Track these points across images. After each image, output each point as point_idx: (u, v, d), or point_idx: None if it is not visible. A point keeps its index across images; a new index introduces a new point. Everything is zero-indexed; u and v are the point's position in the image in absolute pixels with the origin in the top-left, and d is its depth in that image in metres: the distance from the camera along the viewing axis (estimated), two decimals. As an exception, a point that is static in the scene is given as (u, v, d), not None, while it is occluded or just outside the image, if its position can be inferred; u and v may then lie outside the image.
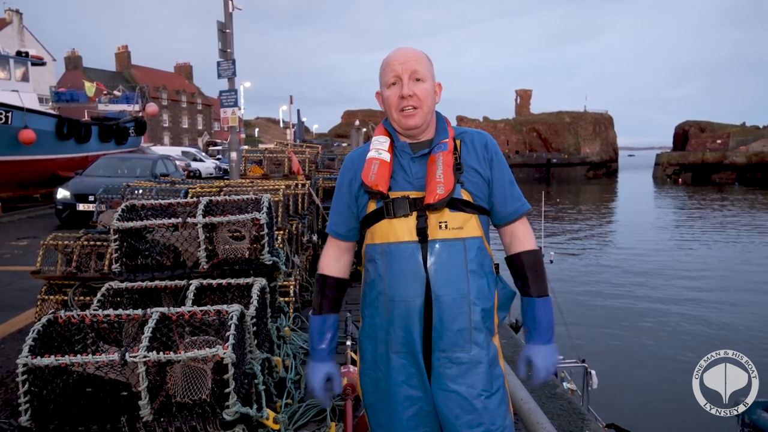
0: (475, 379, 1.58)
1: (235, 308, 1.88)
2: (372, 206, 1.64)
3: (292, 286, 4.81)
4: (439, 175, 1.56)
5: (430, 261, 1.56)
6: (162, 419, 1.70)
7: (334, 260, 1.79)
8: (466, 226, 1.59)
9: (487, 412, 1.58)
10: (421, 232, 1.57)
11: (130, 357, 1.66)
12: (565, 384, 7.68)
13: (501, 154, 1.71)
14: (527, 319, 1.67)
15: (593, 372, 7.69)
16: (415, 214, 1.58)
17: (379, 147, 1.67)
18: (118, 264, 2.55)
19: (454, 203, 1.57)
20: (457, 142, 1.67)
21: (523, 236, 1.70)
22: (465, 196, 1.60)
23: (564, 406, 3.46)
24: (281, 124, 61.97)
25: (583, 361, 8.07)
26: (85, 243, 3.97)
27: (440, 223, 1.57)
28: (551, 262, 13.26)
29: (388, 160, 1.64)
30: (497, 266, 1.70)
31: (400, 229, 1.59)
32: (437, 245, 1.57)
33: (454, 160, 1.62)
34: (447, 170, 1.58)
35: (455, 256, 1.57)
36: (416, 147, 1.67)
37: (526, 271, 1.68)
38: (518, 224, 1.71)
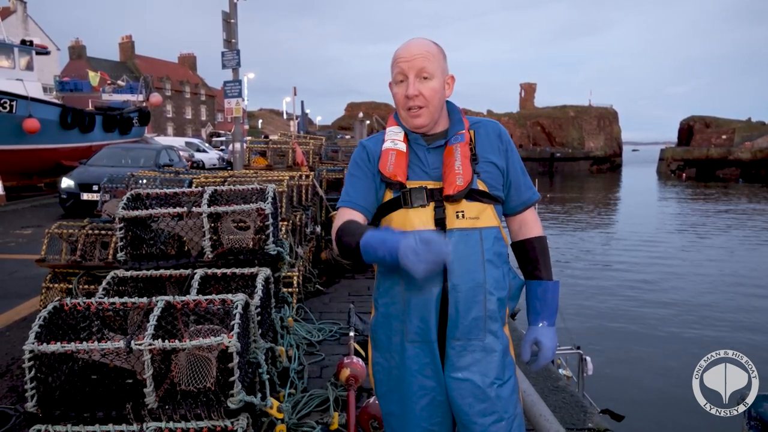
0: (489, 368, 1.59)
1: (239, 297, 1.88)
2: (389, 195, 1.63)
3: (295, 277, 4.83)
4: (458, 167, 1.57)
5: None
6: (167, 407, 1.71)
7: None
8: (482, 216, 1.59)
9: (500, 400, 1.59)
10: (440, 222, 1.57)
11: (136, 345, 1.67)
12: (560, 370, 7.70)
13: (513, 144, 1.73)
14: (536, 301, 1.70)
15: (588, 359, 7.71)
16: (432, 204, 1.58)
17: (395, 138, 1.67)
18: (122, 252, 2.56)
19: (471, 193, 1.58)
20: (471, 132, 1.68)
21: (532, 223, 1.75)
22: (481, 186, 1.60)
23: (566, 399, 3.47)
24: (284, 116, 61.92)
25: (578, 348, 8.08)
26: (90, 232, 3.98)
27: (457, 212, 1.58)
28: None
29: (405, 151, 1.64)
30: (507, 256, 1.71)
31: (418, 219, 1.58)
32: (455, 235, 1.57)
33: (470, 151, 1.62)
34: (465, 161, 1.58)
35: (472, 246, 1.57)
36: (430, 139, 1.67)
37: (537, 255, 1.71)
38: (528, 212, 1.75)
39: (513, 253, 1.78)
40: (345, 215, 1.64)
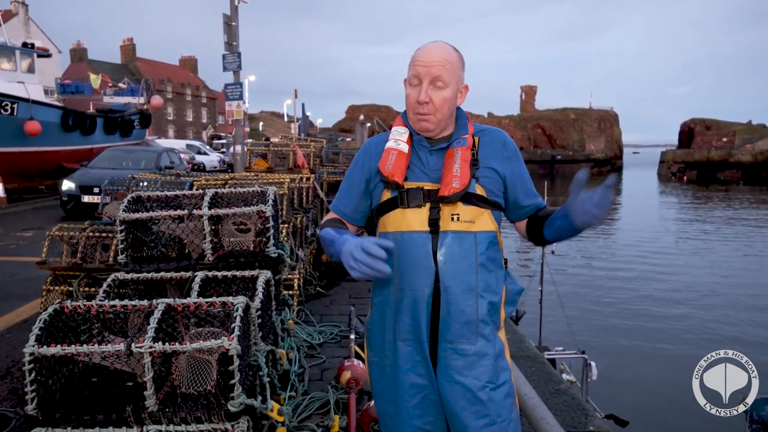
0: (481, 372, 1.59)
1: (240, 300, 1.88)
2: (387, 195, 1.65)
3: (296, 280, 4.82)
4: (456, 169, 1.58)
5: (440, 252, 1.57)
6: (167, 409, 1.70)
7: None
8: (478, 220, 1.60)
9: (492, 404, 1.59)
10: (433, 223, 1.58)
11: (136, 347, 1.67)
12: (564, 375, 7.68)
13: (519, 153, 1.73)
14: (558, 211, 1.62)
15: (593, 363, 7.70)
16: (428, 205, 1.60)
17: (398, 138, 1.68)
18: (123, 255, 2.55)
19: (468, 197, 1.59)
20: (476, 139, 1.69)
21: None
22: (479, 191, 1.61)
23: (567, 402, 3.46)
24: (285, 118, 61.98)
25: (583, 353, 8.07)
26: (90, 234, 3.98)
27: (453, 215, 1.59)
28: (552, 252, 13.18)
29: (406, 151, 1.66)
30: (506, 261, 1.71)
31: (413, 219, 1.60)
32: (448, 237, 1.58)
33: (472, 156, 1.63)
34: (464, 165, 1.59)
35: (466, 249, 1.58)
36: (434, 141, 1.68)
37: (549, 211, 1.70)
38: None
39: (527, 230, 1.76)
40: (331, 218, 1.79)
